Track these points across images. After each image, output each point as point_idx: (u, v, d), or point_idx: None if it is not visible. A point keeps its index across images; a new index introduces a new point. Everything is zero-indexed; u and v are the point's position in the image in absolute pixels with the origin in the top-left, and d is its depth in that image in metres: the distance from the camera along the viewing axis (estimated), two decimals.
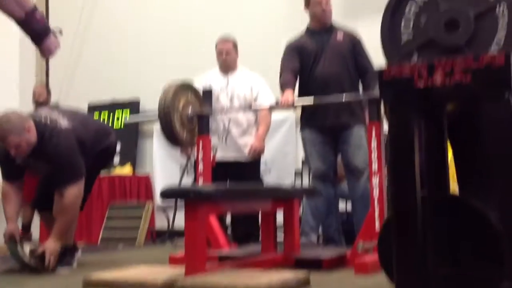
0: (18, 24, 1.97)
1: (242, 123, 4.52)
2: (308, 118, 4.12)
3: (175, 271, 2.73)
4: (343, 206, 4.95)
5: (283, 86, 3.95)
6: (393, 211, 1.85)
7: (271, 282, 2.39)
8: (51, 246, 3.28)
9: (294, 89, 3.98)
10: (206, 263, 2.70)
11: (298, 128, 5.69)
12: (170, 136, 3.73)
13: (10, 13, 1.93)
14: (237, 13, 6.17)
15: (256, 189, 3.28)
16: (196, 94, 3.89)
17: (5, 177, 3.50)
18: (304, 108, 4.17)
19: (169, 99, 3.65)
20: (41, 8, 7.15)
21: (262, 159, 4.75)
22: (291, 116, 5.86)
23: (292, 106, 3.88)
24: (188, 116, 3.77)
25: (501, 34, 1.84)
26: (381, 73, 1.78)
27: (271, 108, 4.52)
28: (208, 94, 3.89)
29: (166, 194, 2.78)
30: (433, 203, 2.01)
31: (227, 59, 4.58)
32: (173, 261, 3.34)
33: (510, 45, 1.80)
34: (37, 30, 2.06)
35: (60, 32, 2.18)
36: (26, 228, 5.36)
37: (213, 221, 3.57)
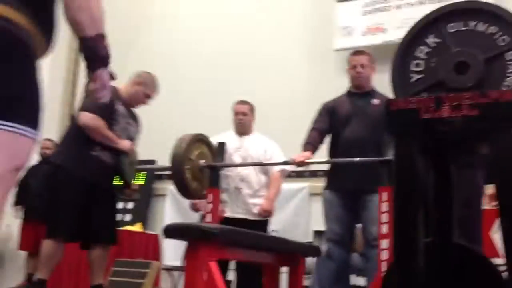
0: (82, 41, 1.83)
1: (253, 184, 4.51)
2: (330, 180, 4.05)
3: None
4: (355, 280, 4.83)
5: (304, 145, 3.93)
6: (395, 254, 1.80)
7: None
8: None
9: (315, 149, 3.95)
10: None
11: (312, 199, 5.70)
12: (181, 185, 3.74)
13: (77, 24, 1.74)
14: (258, 81, 6.30)
15: (261, 235, 3.22)
16: (210, 147, 3.93)
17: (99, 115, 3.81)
18: (330, 170, 4.12)
19: (183, 148, 3.69)
20: (69, 69, 7.42)
21: (271, 224, 4.69)
22: (306, 187, 5.86)
23: (304, 163, 3.84)
24: (200, 167, 3.78)
25: (511, 78, 1.86)
26: (388, 103, 1.79)
27: (283, 172, 4.54)
28: (221, 146, 3.91)
29: (169, 230, 2.75)
30: (436, 250, 1.98)
31: (243, 119, 4.63)
32: None
33: None
34: (100, 55, 1.90)
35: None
36: (30, 278, 5.32)
37: (216, 273, 3.49)
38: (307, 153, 3.85)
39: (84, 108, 3.87)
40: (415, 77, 1.99)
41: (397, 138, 1.77)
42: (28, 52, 1.67)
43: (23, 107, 1.66)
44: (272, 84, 6.30)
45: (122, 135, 3.94)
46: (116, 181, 3.97)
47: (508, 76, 1.86)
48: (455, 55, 1.93)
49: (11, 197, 5.77)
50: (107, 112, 3.84)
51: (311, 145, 3.94)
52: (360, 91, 4.10)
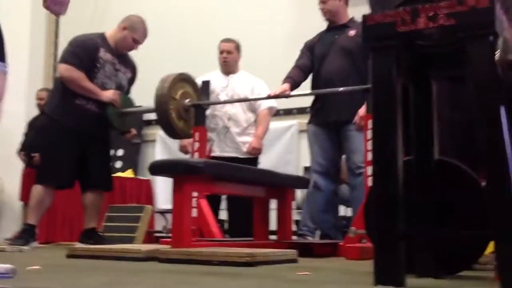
0: None
1: (241, 122, 4.49)
2: (313, 114, 4.13)
3: (162, 246, 2.68)
4: (343, 211, 4.88)
5: (283, 80, 3.96)
6: (374, 175, 1.78)
7: (253, 252, 2.33)
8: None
9: (295, 83, 3.99)
10: (192, 238, 2.65)
11: (301, 136, 5.69)
12: (167, 125, 3.71)
13: None
14: (244, 19, 6.20)
15: (248, 168, 3.22)
16: (194, 86, 3.88)
17: (76, 65, 3.78)
18: (312, 105, 4.17)
19: (167, 88, 3.64)
20: (52, 20, 7.28)
21: (261, 159, 4.69)
22: (295, 124, 5.84)
23: (286, 95, 3.86)
24: (185, 106, 3.75)
25: None
26: (364, 18, 1.75)
27: (271, 110, 4.52)
28: (206, 85, 3.88)
29: (155, 167, 2.74)
30: (416, 167, 1.97)
31: (228, 58, 4.58)
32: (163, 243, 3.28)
33: None
34: None
35: None
36: None
37: (206, 210, 3.53)
38: (285, 85, 3.90)
39: (62, 59, 3.85)
40: None
41: (374, 54, 1.73)
42: None
43: None
44: (256, 21, 6.19)
45: (110, 82, 3.90)
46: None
47: None
48: None
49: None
50: (87, 60, 3.79)
51: (290, 78, 4.00)
52: (336, 25, 4.10)
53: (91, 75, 3.81)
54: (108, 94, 3.85)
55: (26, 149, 5.73)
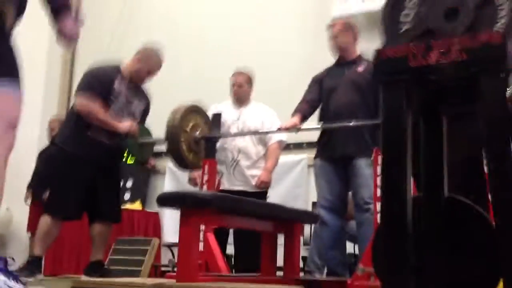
0: None
1: (251, 155, 4.47)
2: (320, 148, 4.09)
3: (167, 280, 2.64)
4: (352, 248, 4.82)
5: (292, 113, 3.97)
6: (382, 211, 1.75)
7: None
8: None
9: (304, 117, 3.99)
10: (198, 272, 2.61)
11: (311, 171, 5.65)
12: (177, 157, 3.71)
13: None
14: (256, 49, 6.24)
15: (256, 202, 3.19)
16: (205, 118, 3.88)
17: (93, 95, 3.80)
18: (319, 139, 4.14)
19: (178, 119, 3.65)
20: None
21: (270, 194, 4.66)
22: (304, 158, 5.82)
23: (296, 129, 3.84)
24: (196, 138, 3.74)
25: (501, 23, 1.80)
26: (375, 53, 1.74)
27: (281, 143, 4.52)
28: (217, 117, 3.87)
29: (162, 199, 2.71)
30: (426, 204, 1.94)
31: (239, 91, 4.59)
32: (169, 277, 3.23)
33: (510, 34, 1.76)
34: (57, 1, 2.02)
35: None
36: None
37: (213, 244, 3.48)
38: (295, 119, 3.90)
39: (79, 89, 3.86)
40: (404, 27, 1.93)
41: (384, 88, 1.72)
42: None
43: (7, 68, 1.71)
44: (270, 52, 6.23)
45: (122, 113, 3.91)
46: (129, 160, 4.02)
47: (498, 22, 1.80)
48: (444, 2, 1.87)
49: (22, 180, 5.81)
50: (103, 91, 3.81)
51: (299, 112, 4.00)
52: (345, 61, 4.11)
53: (107, 106, 3.83)
54: (126, 126, 3.86)
55: (36, 183, 5.73)
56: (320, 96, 4.10)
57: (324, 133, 4.09)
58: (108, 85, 3.83)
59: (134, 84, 4.00)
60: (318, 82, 4.15)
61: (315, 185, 4.10)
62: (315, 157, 4.13)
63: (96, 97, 3.78)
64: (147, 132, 4.11)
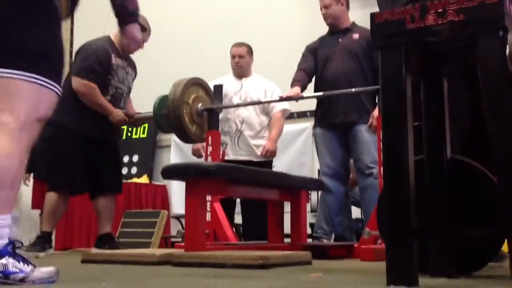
0: None
1: (255, 125, 4.48)
2: (320, 116, 4.11)
3: (176, 250, 2.68)
4: (358, 213, 4.84)
5: (292, 83, 3.97)
6: (384, 175, 1.76)
7: (267, 255, 2.31)
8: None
9: (303, 86, 3.98)
10: (206, 241, 2.65)
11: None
12: (180, 130, 3.71)
13: None
14: (254, 23, 6.20)
15: (261, 171, 3.21)
16: (206, 90, 3.88)
17: (92, 79, 3.79)
18: (317, 108, 4.15)
19: (179, 92, 3.65)
20: (67, 29, 7.32)
21: (275, 163, 4.68)
22: (309, 127, 5.82)
23: (298, 97, 3.85)
24: (198, 111, 3.75)
25: None
26: (372, 16, 1.73)
27: (284, 112, 4.52)
28: (218, 89, 3.87)
29: (167, 171, 2.74)
30: (428, 166, 1.95)
31: (241, 62, 4.58)
32: (178, 248, 3.28)
33: None
34: (128, 10, 2.13)
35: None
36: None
37: (220, 213, 3.52)
38: (296, 89, 3.90)
39: (76, 71, 3.83)
40: None
41: (382, 52, 1.71)
42: (55, 13, 1.81)
43: (47, 62, 1.75)
44: (268, 25, 6.20)
45: (123, 86, 3.93)
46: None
47: None
48: None
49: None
50: (102, 71, 3.80)
51: (299, 81, 3.99)
52: (338, 29, 4.11)
53: (106, 82, 3.83)
54: (118, 117, 3.88)
55: (37, 162, 5.76)
56: (316, 64, 4.11)
57: (322, 102, 4.10)
58: (107, 63, 3.83)
59: (126, 55, 4.02)
60: (313, 52, 4.15)
61: (317, 153, 4.14)
62: (314, 127, 4.16)
63: (96, 79, 3.78)
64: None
